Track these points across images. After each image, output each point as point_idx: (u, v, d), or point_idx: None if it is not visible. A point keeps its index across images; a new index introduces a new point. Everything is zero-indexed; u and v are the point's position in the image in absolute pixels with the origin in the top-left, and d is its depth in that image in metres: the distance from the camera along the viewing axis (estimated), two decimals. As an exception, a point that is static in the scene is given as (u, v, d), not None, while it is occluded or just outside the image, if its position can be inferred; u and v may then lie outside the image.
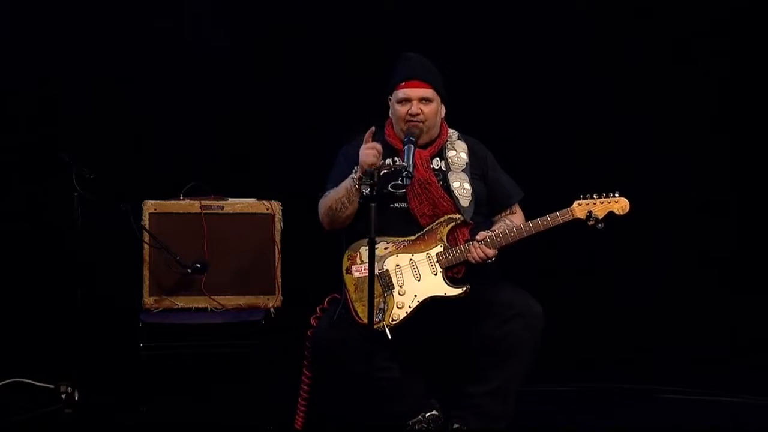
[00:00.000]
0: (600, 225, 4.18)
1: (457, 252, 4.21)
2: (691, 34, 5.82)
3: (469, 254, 4.18)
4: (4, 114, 5.44)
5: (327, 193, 4.32)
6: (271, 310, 4.88)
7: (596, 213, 4.18)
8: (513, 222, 4.31)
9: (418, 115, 4.28)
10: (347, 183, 4.20)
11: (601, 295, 5.77)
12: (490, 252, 4.17)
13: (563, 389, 5.17)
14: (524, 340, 4.12)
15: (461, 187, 4.30)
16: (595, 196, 4.20)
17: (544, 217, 4.19)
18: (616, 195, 4.20)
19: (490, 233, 4.19)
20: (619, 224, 5.70)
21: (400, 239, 4.24)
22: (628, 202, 4.20)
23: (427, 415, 4.23)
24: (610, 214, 4.19)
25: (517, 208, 4.44)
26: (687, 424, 4.69)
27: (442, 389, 4.31)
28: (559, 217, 4.19)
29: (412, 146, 4.16)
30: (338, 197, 4.24)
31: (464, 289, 4.18)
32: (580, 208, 4.19)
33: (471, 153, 4.40)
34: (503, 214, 4.41)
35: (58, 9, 5.46)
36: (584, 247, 5.74)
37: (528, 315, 4.13)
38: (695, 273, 5.86)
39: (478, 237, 4.19)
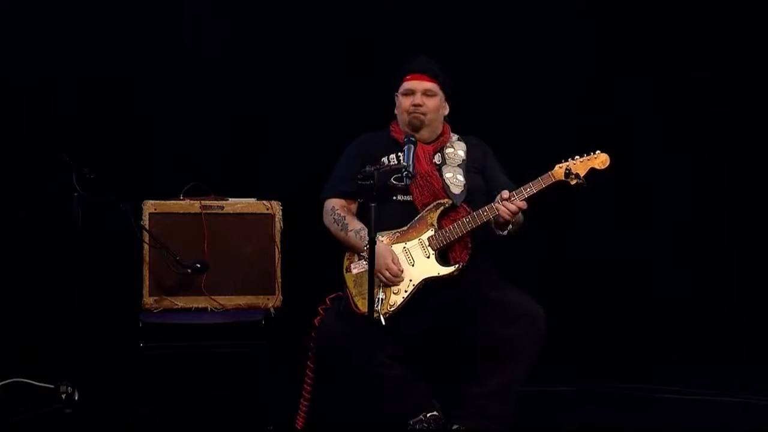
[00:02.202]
0: (581, 182, 4.15)
1: (447, 233, 4.22)
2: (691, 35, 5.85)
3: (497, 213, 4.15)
4: (4, 114, 5.44)
5: (335, 209, 4.35)
6: (271, 310, 4.88)
7: (576, 170, 4.16)
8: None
9: (420, 106, 4.33)
10: (358, 241, 4.23)
11: (602, 295, 5.77)
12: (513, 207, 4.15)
13: (563, 389, 5.17)
14: (527, 343, 4.12)
15: (453, 177, 4.35)
16: (576, 157, 4.21)
17: (526, 184, 4.20)
18: (597, 152, 4.20)
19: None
20: (620, 225, 5.78)
21: (393, 231, 4.27)
22: (607, 156, 4.19)
23: (428, 415, 4.23)
24: (593, 170, 4.18)
25: None
26: (687, 424, 4.69)
27: (444, 389, 4.31)
28: (541, 181, 4.19)
29: (412, 146, 4.18)
30: (343, 237, 4.29)
31: (457, 266, 4.19)
32: (560, 170, 4.19)
33: (469, 151, 4.44)
34: None
35: (58, 9, 5.46)
36: (585, 247, 5.75)
37: (532, 318, 4.13)
38: (695, 273, 5.86)
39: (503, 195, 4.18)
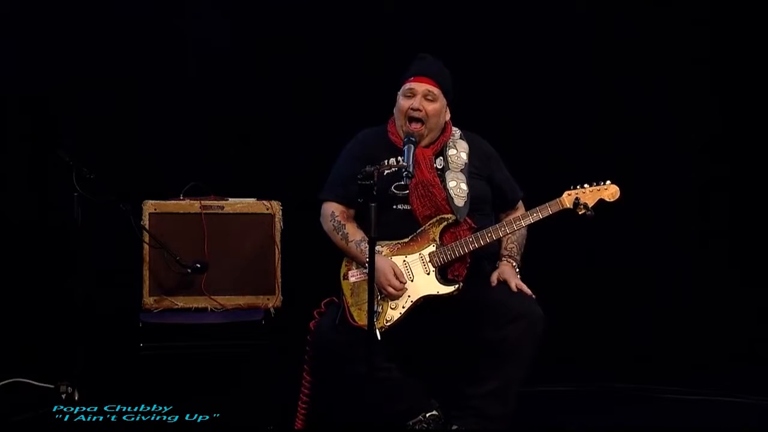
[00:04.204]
0: (589, 212, 4.14)
1: (449, 250, 4.20)
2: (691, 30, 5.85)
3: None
4: (4, 114, 5.44)
5: (335, 216, 4.32)
6: (271, 310, 4.88)
7: (585, 200, 4.14)
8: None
9: (418, 110, 4.26)
10: (358, 253, 4.19)
11: (602, 295, 5.77)
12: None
13: (563, 389, 5.16)
14: (525, 343, 4.11)
15: (457, 186, 4.30)
16: (585, 185, 4.18)
17: (533, 209, 4.18)
18: (607, 182, 4.18)
19: (479, 234, 4.20)
20: (620, 225, 5.78)
21: (394, 242, 4.24)
22: (617, 189, 4.17)
23: (427, 415, 4.23)
24: (601, 201, 4.17)
25: (521, 205, 4.44)
26: (687, 424, 4.68)
27: (443, 389, 4.31)
28: (549, 207, 4.17)
29: (412, 146, 4.15)
30: (344, 246, 4.27)
31: (456, 286, 4.18)
32: (569, 198, 4.17)
33: (472, 153, 4.39)
34: (508, 212, 4.43)
35: (58, 9, 5.46)
36: (585, 247, 5.75)
37: (529, 318, 4.13)
38: (695, 274, 5.86)
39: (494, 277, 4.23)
